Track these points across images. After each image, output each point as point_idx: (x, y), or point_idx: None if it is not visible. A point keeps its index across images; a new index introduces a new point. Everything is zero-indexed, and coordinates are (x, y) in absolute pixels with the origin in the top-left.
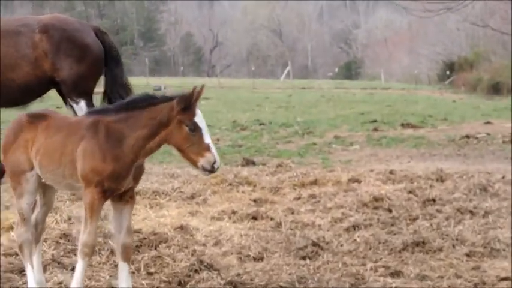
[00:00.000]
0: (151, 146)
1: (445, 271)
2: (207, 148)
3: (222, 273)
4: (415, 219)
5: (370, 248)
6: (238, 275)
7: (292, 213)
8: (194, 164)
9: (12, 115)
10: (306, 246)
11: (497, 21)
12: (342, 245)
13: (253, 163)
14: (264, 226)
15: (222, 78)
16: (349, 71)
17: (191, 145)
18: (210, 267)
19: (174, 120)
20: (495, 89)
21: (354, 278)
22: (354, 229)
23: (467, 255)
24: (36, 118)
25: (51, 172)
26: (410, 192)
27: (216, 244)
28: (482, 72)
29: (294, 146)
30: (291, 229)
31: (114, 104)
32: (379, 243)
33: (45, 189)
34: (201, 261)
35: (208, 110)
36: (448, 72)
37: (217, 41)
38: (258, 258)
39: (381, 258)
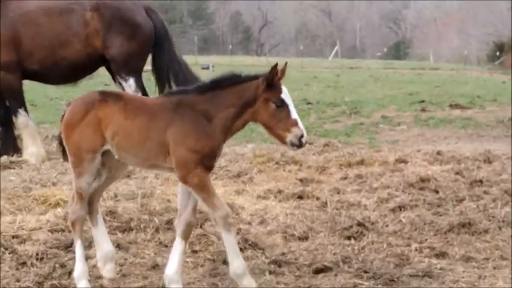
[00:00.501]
0: (238, 125)
1: (490, 253)
2: (295, 123)
3: (267, 252)
4: (461, 200)
5: (415, 229)
6: (283, 254)
7: (338, 193)
8: (282, 139)
9: (58, 92)
10: (351, 226)
11: None
12: (387, 226)
13: None
14: (310, 205)
15: (270, 57)
16: (398, 51)
17: (278, 121)
18: (254, 245)
19: (260, 99)
20: None
21: (399, 259)
22: (400, 210)
23: None
24: (110, 97)
25: (132, 154)
26: (457, 173)
27: (261, 223)
28: None
29: (341, 126)
30: (337, 209)
31: (194, 84)
32: (425, 224)
33: (116, 167)
34: (246, 240)
35: None
36: (498, 53)
37: (266, 20)
38: (303, 238)
39: (426, 239)
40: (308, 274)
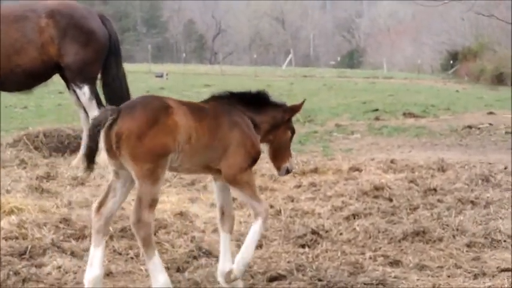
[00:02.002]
0: (265, 139)
1: (444, 261)
2: (291, 154)
3: None
4: (415, 208)
5: (369, 237)
6: None
7: (292, 201)
8: (279, 164)
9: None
10: (305, 235)
11: (502, 11)
12: (341, 234)
13: None
14: None
15: (224, 65)
16: (352, 60)
17: (285, 149)
18: (208, 253)
19: (283, 125)
20: (499, 79)
21: (353, 267)
22: (354, 218)
23: (468, 245)
24: (170, 102)
25: (199, 155)
26: (411, 181)
27: (215, 231)
28: (486, 62)
29: (295, 134)
30: (291, 217)
31: (238, 92)
32: (379, 232)
33: (131, 181)
34: (200, 248)
35: None
36: (451, 62)
37: (220, 29)
38: (257, 246)
39: (380, 248)
40: (262, 282)
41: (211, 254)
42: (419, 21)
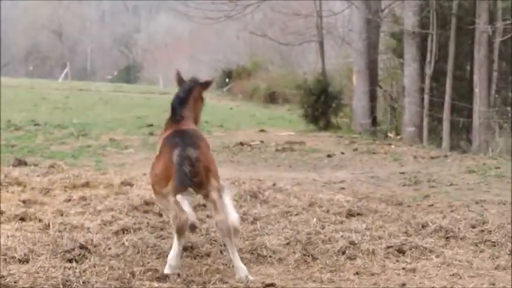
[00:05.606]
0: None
1: (211, 276)
2: None
3: None
4: None
5: (138, 252)
6: (2, 277)
7: (62, 215)
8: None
9: None
10: (73, 249)
11: (276, 31)
12: (110, 248)
13: (26, 163)
14: (32, 227)
15: None
16: (129, 74)
17: (200, 114)
18: None
19: (201, 96)
20: (271, 97)
21: (120, 282)
22: (123, 232)
23: None
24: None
25: None
26: None
27: None
28: (259, 81)
29: (69, 148)
30: (59, 231)
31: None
32: (148, 247)
33: None
34: None
35: None
36: (226, 80)
37: None
38: (24, 260)
39: (148, 262)
40: None
41: None
42: (196, 38)
